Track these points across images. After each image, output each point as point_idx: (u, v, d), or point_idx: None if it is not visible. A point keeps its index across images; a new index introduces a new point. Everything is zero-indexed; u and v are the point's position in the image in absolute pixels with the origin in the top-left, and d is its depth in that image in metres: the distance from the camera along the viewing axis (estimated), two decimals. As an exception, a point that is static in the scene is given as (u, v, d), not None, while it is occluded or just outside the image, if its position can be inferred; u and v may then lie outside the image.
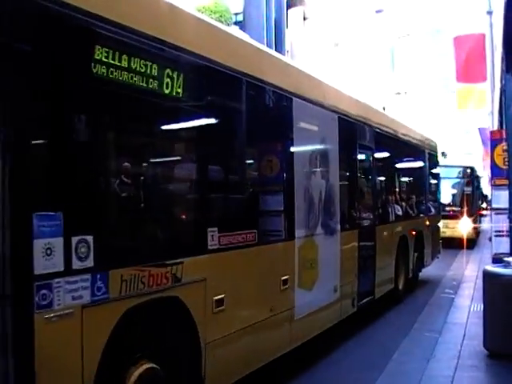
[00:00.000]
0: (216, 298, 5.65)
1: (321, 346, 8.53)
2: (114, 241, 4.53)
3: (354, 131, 10.04)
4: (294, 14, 34.81)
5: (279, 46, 28.70)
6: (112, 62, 4.48)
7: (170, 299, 5.06)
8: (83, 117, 4.31)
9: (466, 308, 11.39)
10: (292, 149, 7.43)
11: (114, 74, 4.51)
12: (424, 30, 49.82)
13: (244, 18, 27.66)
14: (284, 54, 25.32)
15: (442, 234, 17.72)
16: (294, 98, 7.42)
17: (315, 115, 8.20)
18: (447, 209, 23.06)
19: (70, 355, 4.09)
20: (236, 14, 26.97)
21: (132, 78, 4.70)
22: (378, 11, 42.60)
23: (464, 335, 9.10)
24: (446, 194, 23.18)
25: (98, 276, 4.27)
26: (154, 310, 4.88)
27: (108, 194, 4.65)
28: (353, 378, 7.67)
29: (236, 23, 25.53)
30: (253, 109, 6.72)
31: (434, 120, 43.86)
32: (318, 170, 8.23)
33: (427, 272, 15.71)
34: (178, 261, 5.09)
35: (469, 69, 19.76)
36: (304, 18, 36.76)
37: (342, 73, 33.57)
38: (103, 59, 4.39)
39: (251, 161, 6.93)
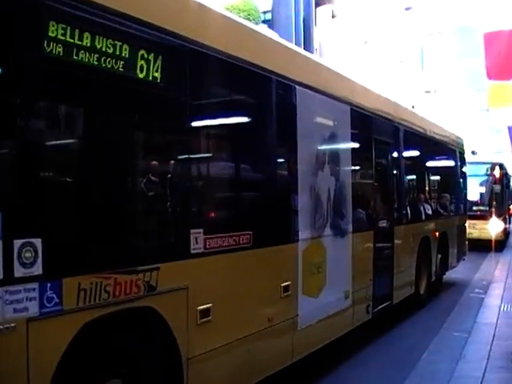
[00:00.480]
0: (200, 308, 5.04)
1: (344, 348, 8.18)
2: (68, 244, 3.91)
3: (370, 125, 9.35)
4: (323, 12, 34.67)
5: (308, 45, 28.50)
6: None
7: (142, 310, 4.45)
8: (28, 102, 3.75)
9: (496, 308, 11.14)
10: (296, 141, 6.75)
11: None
12: (453, 27, 48.93)
13: (272, 17, 27.74)
14: (313, 53, 24.97)
15: (468, 235, 16.98)
16: (296, 87, 6.77)
17: (323, 106, 7.54)
18: (474, 208, 22.16)
19: (11, 377, 3.50)
20: (264, 13, 26.97)
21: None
22: (407, 9, 42.07)
23: (494, 335, 8.95)
24: (474, 193, 22.20)
25: (49, 285, 3.68)
26: (122, 322, 4.29)
27: (61, 189, 4.04)
28: (380, 377, 7.43)
29: (264, 22, 25.38)
30: (249, 98, 6.20)
31: (464, 118, 42.97)
32: (327, 165, 7.55)
33: (454, 274, 15.18)
34: (153, 267, 4.48)
35: (500, 66, 19.14)
36: (332, 16, 36.54)
37: (371, 71, 33.08)
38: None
39: (247, 154, 6.30)
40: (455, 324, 10.13)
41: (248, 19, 17.82)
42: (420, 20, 44.27)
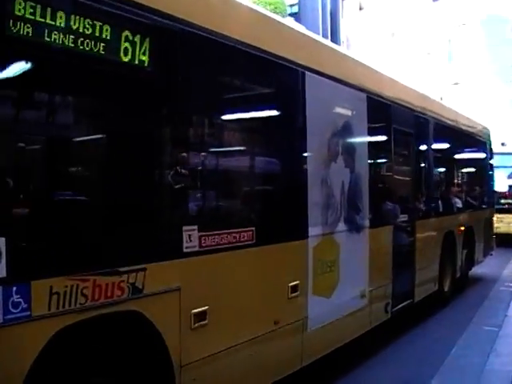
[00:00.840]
0: (195, 311, 4.65)
1: (361, 348, 7.84)
2: (38, 243, 3.55)
3: (389, 114, 8.87)
4: (350, 4, 34.58)
5: (335, 37, 28.37)
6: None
7: (126, 314, 4.08)
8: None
9: (528, 301, 10.83)
10: (305, 131, 6.31)
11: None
12: (481, 18, 48.25)
13: (299, 10, 27.64)
14: (340, 45, 24.72)
15: (496, 230, 16.48)
16: (306, 72, 6.34)
17: (335, 92, 7.09)
18: (502, 201, 21.45)
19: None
20: (291, 6, 26.91)
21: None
22: (434, 0, 41.61)
23: (525, 328, 8.90)
24: (501, 185, 21.45)
25: (14, 289, 3.32)
26: (104, 328, 3.92)
27: (26, 180, 3.68)
28: (407, 374, 7.26)
29: (291, 15, 25.26)
30: (252, 85, 5.84)
31: (493, 110, 42.25)
32: (341, 156, 7.13)
33: (481, 269, 14.72)
34: (138, 267, 4.10)
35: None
36: (360, 8, 36.37)
37: (398, 63, 32.72)
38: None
39: (249, 143, 5.91)
40: (485, 318, 9.87)
41: (275, 12, 17.51)
42: (448, 11, 43.72)
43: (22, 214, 3.52)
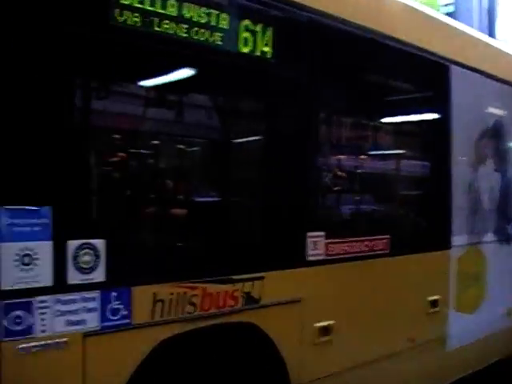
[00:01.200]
0: (319, 324, 4.26)
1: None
2: (141, 246, 3.29)
3: None
4: (508, 2, 32.96)
5: (492, 36, 27.08)
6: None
7: (239, 326, 3.75)
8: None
9: None
10: (450, 130, 5.75)
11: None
12: None
13: (455, 9, 26.84)
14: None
15: None
16: (452, 66, 5.77)
17: (485, 88, 6.41)
18: None
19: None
20: (446, 5, 26.18)
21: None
22: None
23: None
24: None
25: (114, 294, 3.08)
26: (213, 340, 3.61)
27: (130, 179, 3.45)
28: None
29: (446, 15, 24.46)
30: (389, 77, 5.33)
31: None
32: (490, 158, 6.50)
33: None
34: (255, 276, 3.77)
35: None
36: (521, 5, 34.78)
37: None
38: None
39: (384, 143, 5.44)
40: None
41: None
42: None
43: (125, 215, 3.30)
